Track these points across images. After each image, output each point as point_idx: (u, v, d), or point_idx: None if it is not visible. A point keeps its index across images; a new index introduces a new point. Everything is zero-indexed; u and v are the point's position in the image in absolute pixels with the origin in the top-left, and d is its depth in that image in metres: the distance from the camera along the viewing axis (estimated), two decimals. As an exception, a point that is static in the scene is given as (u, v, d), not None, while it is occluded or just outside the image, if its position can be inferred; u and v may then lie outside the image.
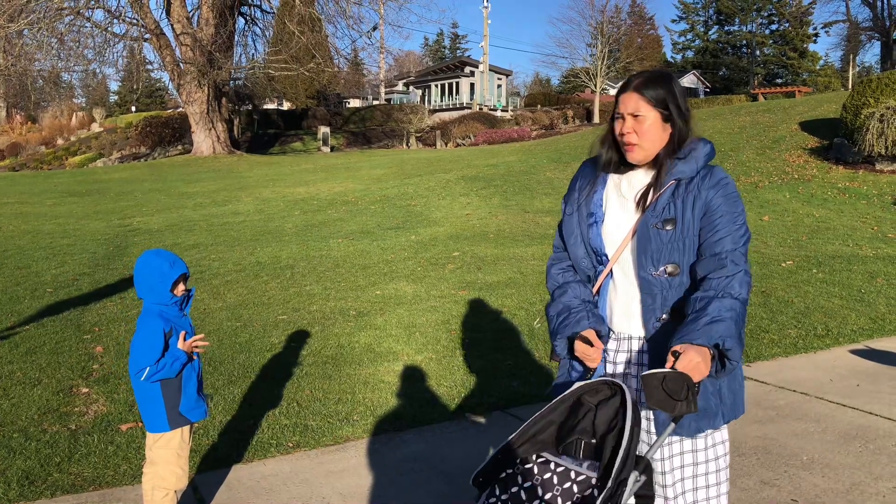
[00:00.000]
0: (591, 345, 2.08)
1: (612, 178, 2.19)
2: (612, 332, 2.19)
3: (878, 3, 49.22)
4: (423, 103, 48.87)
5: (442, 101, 50.28)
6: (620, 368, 2.16)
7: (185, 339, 2.91)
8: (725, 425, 2.11)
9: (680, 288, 2.05)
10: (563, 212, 2.25)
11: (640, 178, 2.14)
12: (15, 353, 5.51)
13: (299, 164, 24.70)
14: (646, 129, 2.06)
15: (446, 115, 42.37)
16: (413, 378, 5.01)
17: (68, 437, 4.01)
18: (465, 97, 48.79)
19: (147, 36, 27.77)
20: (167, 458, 2.92)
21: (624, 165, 2.16)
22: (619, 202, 2.15)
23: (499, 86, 52.08)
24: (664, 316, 2.05)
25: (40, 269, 8.93)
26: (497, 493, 1.84)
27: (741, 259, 1.99)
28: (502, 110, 46.19)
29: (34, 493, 3.39)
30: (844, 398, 4.52)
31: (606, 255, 2.14)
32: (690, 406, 1.79)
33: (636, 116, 2.06)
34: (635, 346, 2.13)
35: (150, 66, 34.64)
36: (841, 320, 6.25)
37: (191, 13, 28.51)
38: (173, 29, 27.54)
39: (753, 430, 4.03)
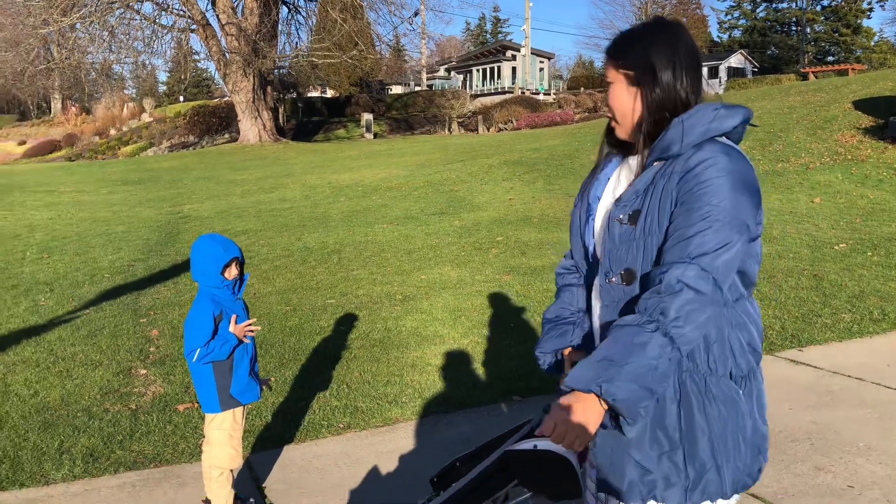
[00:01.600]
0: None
1: (624, 162, 1.75)
2: None
3: (939, -24, 47.20)
4: (465, 88, 48.73)
5: (483, 85, 50.03)
6: None
7: (236, 323, 2.98)
8: None
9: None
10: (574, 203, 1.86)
11: (635, 164, 1.70)
12: (77, 336, 5.72)
13: (343, 150, 24.92)
14: (612, 98, 1.67)
15: (488, 100, 42.18)
16: (459, 361, 5.05)
17: (129, 416, 4.16)
18: (506, 81, 48.46)
19: (193, 27, 28.30)
20: (220, 438, 3.01)
21: (626, 146, 1.74)
22: (614, 191, 1.73)
23: (541, 69, 51.55)
24: None
25: (97, 255, 9.22)
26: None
27: (693, 276, 1.42)
28: (545, 94, 45.75)
29: (98, 470, 3.54)
30: (902, 383, 4.41)
31: (597, 257, 1.73)
32: (572, 491, 1.38)
33: (609, 84, 1.68)
34: None
35: (196, 57, 35.39)
36: (898, 304, 6.08)
37: (235, 3, 28.93)
38: (219, 19, 27.97)
39: (807, 416, 3.97)
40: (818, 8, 53.94)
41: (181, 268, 8.18)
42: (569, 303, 1.82)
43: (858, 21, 52.34)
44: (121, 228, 11.28)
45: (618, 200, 1.62)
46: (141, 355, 5.26)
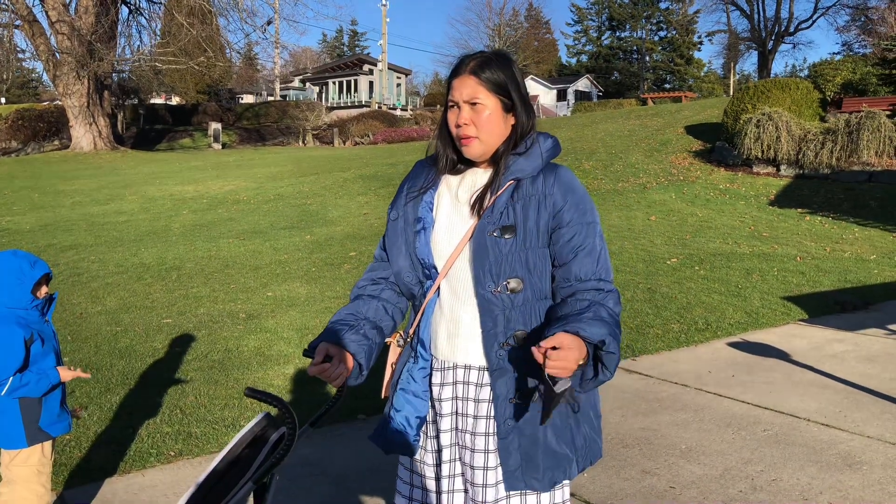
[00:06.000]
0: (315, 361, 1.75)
1: (447, 179, 1.86)
2: (434, 361, 1.84)
3: (755, 16, 52.60)
4: (321, 100, 48.16)
5: (340, 98, 49.72)
6: (448, 407, 1.81)
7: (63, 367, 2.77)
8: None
9: (525, 306, 1.73)
10: (388, 218, 1.89)
11: (478, 179, 1.81)
12: None
13: (188, 161, 23.78)
14: (485, 120, 1.73)
15: (344, 113, 41.90)
16: (304, 382, 4.89)
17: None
18: (363, 95, 48.44)
19: (18, 22, 25.96)
20: (26, 476, 2.72)
21: (462, 164, 1.83)
22: (453, 206, 1.81)
23: (398, 85, 52.02)
24: (510, 341, 1.72)
25: None
26: None
27: (607, 280, 1.74)
28: (402, 109, 46.16)
29: None
30: (721, 388, 4.75)
31: (436, 268, 1.80)
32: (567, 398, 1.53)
33: (474, 105, 1.72)
34: (461, 376, 1.80)
35: (21, 55, 32.48)
36: (720, 315, 6.58)
37: (68, 1, 26.88)
38: (48, 16, 25.82)
39: (637, 423, 4.16)
40: (656, 38, 58.34)
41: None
42: (357, 310, 1.87)
43: (691, 53, 57.13)
44: (-75, 242, 10.09)
45: (489, 215, 1.72)
46: (-61, 385, 4.67)
